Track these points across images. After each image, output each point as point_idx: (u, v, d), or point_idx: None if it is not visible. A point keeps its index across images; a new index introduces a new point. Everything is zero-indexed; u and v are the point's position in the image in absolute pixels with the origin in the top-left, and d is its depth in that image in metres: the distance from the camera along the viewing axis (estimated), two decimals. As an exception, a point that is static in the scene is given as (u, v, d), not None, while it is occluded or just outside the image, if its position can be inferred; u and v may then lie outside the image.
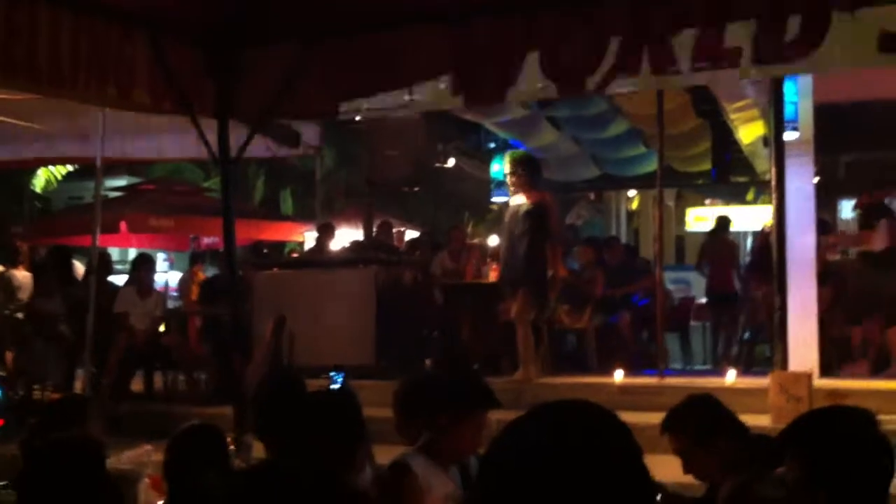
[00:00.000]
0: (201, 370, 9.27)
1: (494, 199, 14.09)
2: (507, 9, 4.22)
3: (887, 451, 2.38)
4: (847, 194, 13.15)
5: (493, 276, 9.39)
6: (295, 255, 13.03)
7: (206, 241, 14.54)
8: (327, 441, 2.85)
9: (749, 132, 11.74)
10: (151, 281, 9.89)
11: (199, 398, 8.54)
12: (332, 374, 4.19)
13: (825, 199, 11.91)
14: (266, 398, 3.73)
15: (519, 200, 8.39)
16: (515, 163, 8.54)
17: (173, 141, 9.31)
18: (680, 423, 3.46)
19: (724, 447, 3.35)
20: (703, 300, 11.80)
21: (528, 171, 8.49)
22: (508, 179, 8.50)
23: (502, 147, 12.96)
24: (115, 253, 15.39)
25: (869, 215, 9.90)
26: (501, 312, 9.69)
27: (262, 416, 3.63)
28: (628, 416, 4.91)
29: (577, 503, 1.13)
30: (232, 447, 4.47)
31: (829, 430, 2.42)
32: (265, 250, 12.36)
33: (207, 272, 12.48)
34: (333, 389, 3.41)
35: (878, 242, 9.22)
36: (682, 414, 3.50)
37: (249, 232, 12.58)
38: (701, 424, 3.42)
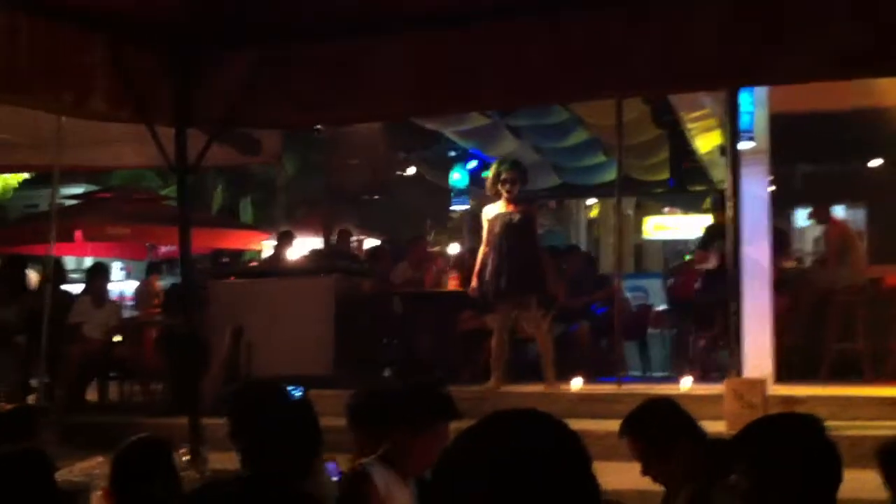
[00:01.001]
0: (157, 380, 9.18)
1: (454, 208, 14.13)
2: (473, 18, 4.22)
3: (835, 457, 2.42)
4: (803, 204, 13.31)
5: (452, 284, 9.40)
6: (253, 263, 12.96)
7: (163, 249, 14.40)
8: (290, 450, 2.84)
9: (706, 142, 11.86)
10: (106, 291, 9.79)
11: (154, 409, 8.46)
12: (290, 388, 4.16)
13: (781, 208, 12.06)
14: (239, 405, 3.70)
15: (505, 209, 8.21)
16: (518, 171, 8.34)
17: (132, 148, 9.23)
18: (639, 426, 3.48)
19: (683, 451, 3.37)
20: (662, 307, 11.88)
21: (525, 180, 8.41)
22: (505, 187, 8.19)
23: (462, 156, 13.00)
24: (70, 262, 15.21)
25: (711, 237, 10.14)
26: (463, 321, 9.71)
27: (234, 422, 3.60)
28: (587, 424, 4.99)
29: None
30: (187, 459, 4.44)
31: (778, 437, 2.45)
32: (224, 259, 12.28)
33: (165, 281, 12.37)
34: (295, 400, 3.39)
35: (713, 262, 9.47)
36: (641, 417, 3.52)
37: (208, 240, 12.46)
38: (660, 427, 3.44)
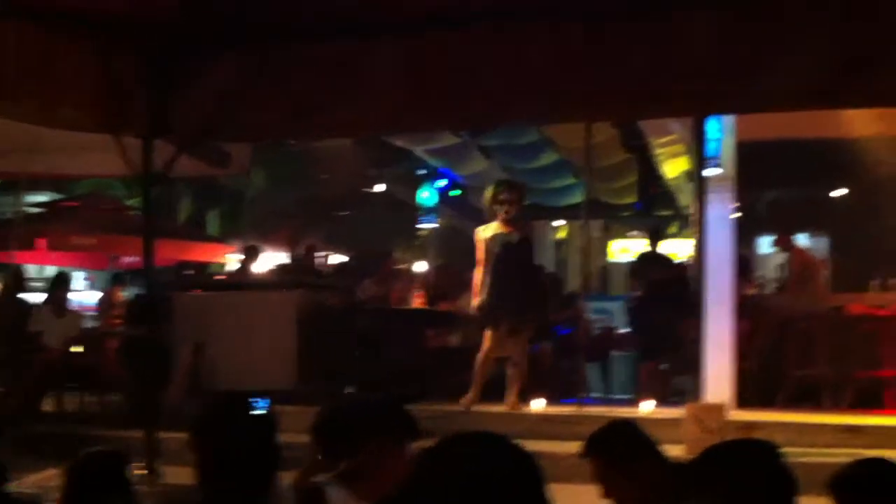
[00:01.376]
0: (117, 392, 9.08)
1: (422, 226, 14.15)
2: (466, 25, 4.21)
3: (790, 483, 2.43)
4: (767, 231, 13.47)
5: (417, 302, 9.41)
6: (218, 277, 12.88)
7: (127, 259, 14.27)
8: (248, 467, 2.81)
9: (674, 167, 11.98)
10: (67, 300, 9.69)
11: (111, 421, 8.35)
12: (256, 400, 4.13)
13: (745, 234, 12.19)
14: (201, 418, 3.66)
15: (502, 229, 8.11)
16: (516, 191, 8.26)
17: (99, 157, 9.15)
18: (602, 447, 3.46)
19: (644, 473, 3.36)
20: (625, 330, 11.95)
21: (523, 201, 8.34)
22: (504, 207, 8.08)
23: (432, 174, 13.04)
24: (33, 270, 15.02)
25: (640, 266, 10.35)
26: (428, 339, 9.72)
27: (194, 436, 3.57)
28: (548, 445, 4.95)
29: None
30: (142, 473, 4.40)
31: (736, 462, 2.46)
32: (190, 271, 12.19)
33: (128, 292, 12.25)
34: (256, 415, 3.36)
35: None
36: (604, 438, 3.50)
37: (173, 252, 12.37)
38: (623, 449, 3.42)
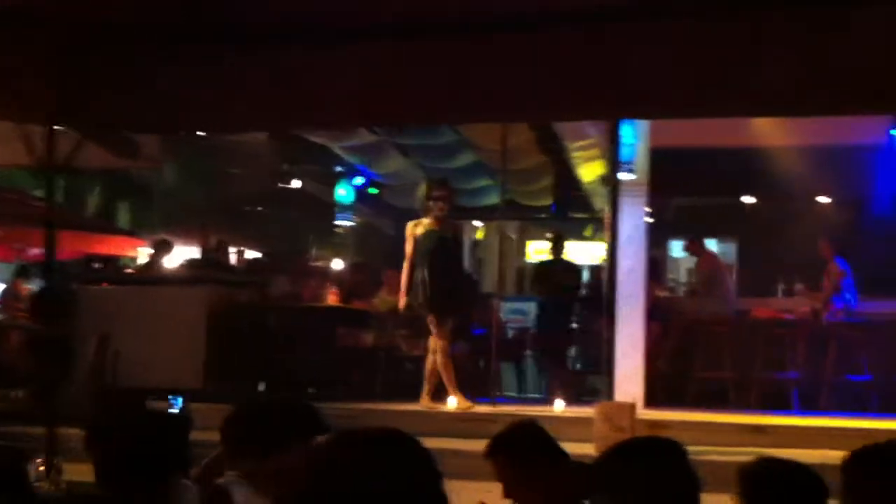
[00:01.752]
0: (20, 386, 8.80)
1: (339, 223, 14.04)
2: (413, 36, 4.19)
3: (695, 482, 2.46)
4: (678, 235, 13.72)
5: (331, 300, 9.33)
6: (128, 270, 12.60)
7: (33, 252, 13.86)
8: (146, 466, 2.74)
9: (589, 171, 12.12)
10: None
11: (13, 416, 8.08)
12: (170, 397, 4.05)
13: (657, 238, 12.40)
14: (97, 416, 3.58)
15: (435, 226, 8.18)
16: (449, 189, 8.38)
17: (2, 147, 8.87)
18: (503, 448, 3.48)
19: (546, 473, 3.38)
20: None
21: (455, 199, 8.48)
22: (438, 204, 8.18)
23: (349, 171, 12.96)
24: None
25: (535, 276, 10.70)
26: (340, 337, 9.64)
27: (90, 434, 3.48)
28: (461, 444, 4.96)
29: None
30: (42, 469, 4.25)
31: (640, 461, 2.48)
32: (98, 264, 11.88)
33: (34, 284, 11.89)
34: (161, 413, 3.29)
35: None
36: (506, 438, 3.52)
37: (81, 244, 12.08)
38: (524, 449, 3.44)
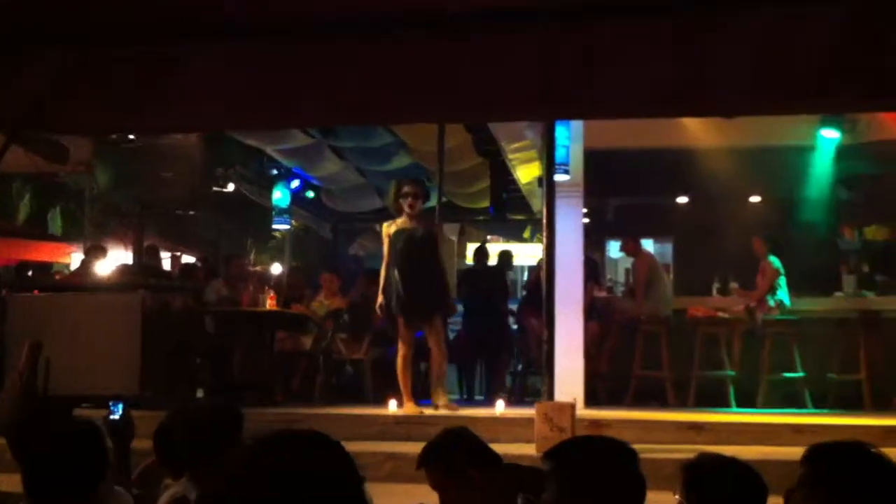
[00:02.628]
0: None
1: (276, 227, 13.90)
2: (290, 31, 4.14)
3: (640, 480, 2.46)
4: (615, 236, 13.84)
5: (270, 304, 9.22)
6: (61, 277, 12.33)
7: (-39, 259, 13.53)
8: (69, 475, 2.66)
9: (527, 172, 12.17)
10: None
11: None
12: (111, 404, 3.95)
13: (594, 238, 12.50)
14: (18, 425, 3.47)
15: (407, 224, 8.08)
16: (419, 186, 8.27)
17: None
18: (433, 457, 3.46)
19: (477, 478, 3.36)
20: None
21: (426, 196, 8.39)
22: (407, 201, 8.07)
23: (285, 174, 12.83)
24: None
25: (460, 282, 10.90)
26: (279, 341, 9.54)
27: (12, 443, 3.38)
28: (401, 447, 4.92)
29: None
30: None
31: (584, 459, 2.48)
32: (29, 272, 11.63)
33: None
34: (89, 421, 3.20)
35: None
36: (434, 448, 3.50)
37: (12, 252, 11.83)
38: (452, 457, 3.42)
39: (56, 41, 4.56)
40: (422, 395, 8.89)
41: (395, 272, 8.08)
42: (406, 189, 8.16)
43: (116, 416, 3.87)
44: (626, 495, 2.42)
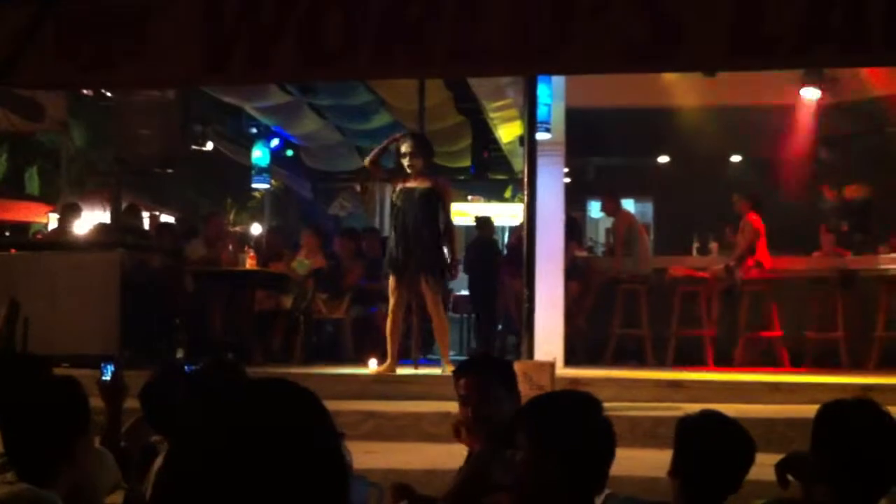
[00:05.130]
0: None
1: (255, 186, 13.82)
2: None
3: (609, 434, 2.49)
4: (596, 196, 13.85)
5: (249, 263, 9.18)
6: (39, 237, 12.24)
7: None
8: (45, 432, 2.65)
9: (508, 131, 12.12)
10: None
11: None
12: (102, 364, 3.95)
13: (576, 198, 12.50)
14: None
15: (407, 182, 7.89)
16: (420, 145, 8.00)
17: None
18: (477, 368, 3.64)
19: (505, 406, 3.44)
20: (464, 293, 12.09)
21: (430, 154, 8.14)
22: (405, 160, 7.87)
23: (264, 133, 12.73)
24: None
25: None
26: (259, 301, 9.51)
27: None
28: (380, 405, 4.98)
29: (268, 485, 1.07)
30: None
31: (555, 412, 2.51)
32: (6, 232, 11.53)
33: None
34: (66, 378, 3.18)
35: None
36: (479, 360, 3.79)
37: (-11, 211, 11.70)
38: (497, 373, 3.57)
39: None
40: (400, 355, 8.89)
41: (392, 231, 8.01)
42: (403, 149, 7.98)
43: (107, 377, 3.87)
44: (596, 448, 2.45)
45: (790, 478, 2.81)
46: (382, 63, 4.29)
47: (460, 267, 9.45)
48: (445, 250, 8.03)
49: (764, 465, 2.90)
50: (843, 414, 2.62)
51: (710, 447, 2.74)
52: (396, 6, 4.00)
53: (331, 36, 4.10)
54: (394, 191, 8.10)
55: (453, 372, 3.65)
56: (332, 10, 4.07)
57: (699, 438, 2.77)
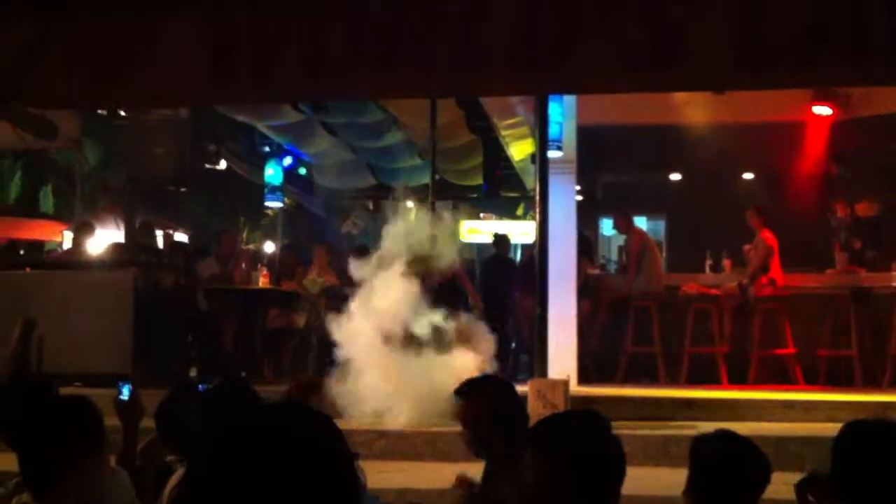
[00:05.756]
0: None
1: (268, 204, 13.86)
2: (267, 1, 4.11)
3: (619, 453, 2.47)
4: (608, 213, 13.84)
5: (263, 281, 9.20)
6: (53, 255, 12.29)
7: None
8: (54, 452, 2.66)
9: (520, 149, 12.13)
10: None
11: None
12: (119, 383, 3.95)
13: (588, 216, 12.49)
14: (8, 407, 3.47)
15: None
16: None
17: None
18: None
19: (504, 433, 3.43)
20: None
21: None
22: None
23: (276, 151, 12.78)
24: None
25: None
26: (271, 319, 9.53)
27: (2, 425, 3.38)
28: (393, 425, 4.94)
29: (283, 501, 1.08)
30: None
31: (562, 432, 2.50)
32: (21, 251, 11.58)
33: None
34: (67, 397, 3.20)
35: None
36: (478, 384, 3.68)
37: (4, 230, 11.80)
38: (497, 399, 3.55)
39: (32, 12, 4.51)
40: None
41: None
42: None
43: (125, 397, 3.87)
44: (606, 467, 2.43)
45: (810, 498, 2.79)
46: (385, 80, 4.31)
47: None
48: None
49: (777, 484, 2.88)
50: (865, 433, 2.61)
51: (726, 467, 2.73)
52: (398, 23, 4.03)
53: (334, 51, 4.13)
54: None
55: (454, 392, 3.65)
56: (335, 28, 4.09)
57: (714, 458, 2.76)
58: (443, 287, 7.83)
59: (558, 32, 4.03)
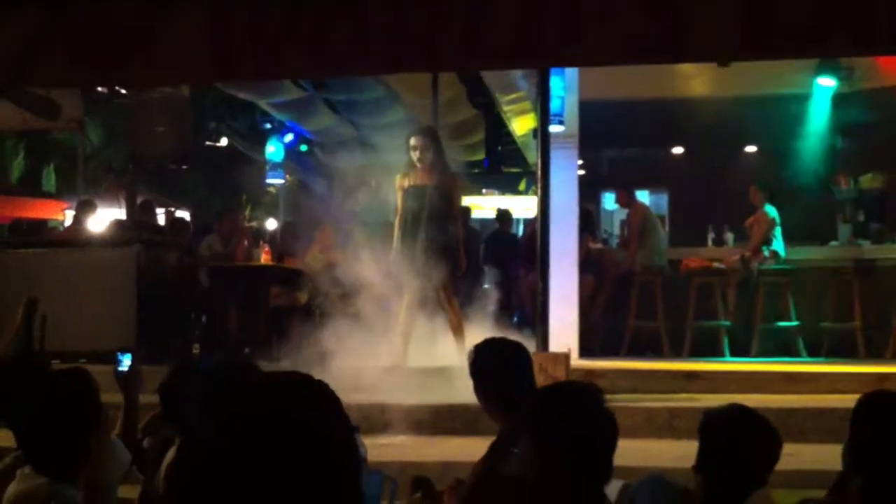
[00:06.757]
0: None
1: (270, 181, 13.85)
2: None
3: (611, 424, 2.47)
4: (610, 188, 13.80)
5: (264, 259, 9.20)
6: (55, 233, 12.31)
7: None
8: (57, 431, 2.67)
9: (522, 124, 12.09)
10: None
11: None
12: (118, 354, 3.94)
13: (590, 191, 12.46)
14: (5, 385, 3.48)
15: (419, 180, 7.67)
16: (427, 137, 7.77)
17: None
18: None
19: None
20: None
21: (441, 149, 7.86)
22: (416, 155, 7.62)
23: (278, 129, 12.75)
24: None
25: None
26: (273, 297, 9.54)
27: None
28: (398, 398, 4.97)
29: (279, 474, 1.07)
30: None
31: (553, 403, 2.50)
32: (24, 228, 11.62)
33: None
34: (63, 372, 3.19)
35: None
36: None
37: (7, 209, 11.81)
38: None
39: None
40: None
41: (400, 227, 7.77)
42: (412, 142, 7.74)
43: (124, 368, 3.86)
44: (596, 433, 2.43)
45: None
46: (391, 57, 4.29)
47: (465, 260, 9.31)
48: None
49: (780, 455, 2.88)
50: (886, 404, 2.61)
51: (737, 442, 2.71)
52: (401, 2, 4.01)
53: (339, 32, 4.11)
54: (402, 186, 7.88)
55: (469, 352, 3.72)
56: (339, 7, 4.07)
57: (725, 433, 2.74)
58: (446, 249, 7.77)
59: (562, 6, 4.00)
